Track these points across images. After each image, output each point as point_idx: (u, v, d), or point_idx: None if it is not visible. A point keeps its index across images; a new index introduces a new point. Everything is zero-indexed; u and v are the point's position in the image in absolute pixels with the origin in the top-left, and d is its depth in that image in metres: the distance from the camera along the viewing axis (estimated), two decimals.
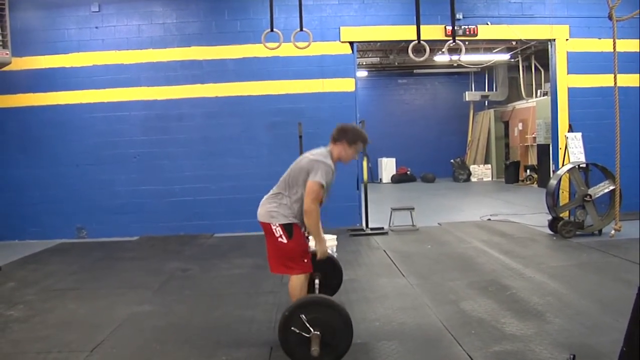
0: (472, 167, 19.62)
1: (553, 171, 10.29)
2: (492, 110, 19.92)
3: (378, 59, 18.34)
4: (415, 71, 20.51)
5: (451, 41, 7.43)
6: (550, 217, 8.96)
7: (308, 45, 8.06)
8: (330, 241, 6.95)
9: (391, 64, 18.82)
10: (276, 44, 7.97)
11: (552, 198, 8.76)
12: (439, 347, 4.28)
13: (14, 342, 4.79)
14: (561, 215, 8.85)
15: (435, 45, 11.86)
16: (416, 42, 7.38)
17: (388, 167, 19.65)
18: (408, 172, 20.06)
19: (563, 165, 9.26)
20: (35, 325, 5.26)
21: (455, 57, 10.56)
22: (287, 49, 8.83)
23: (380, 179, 19.96)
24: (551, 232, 8.74)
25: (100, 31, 10.05)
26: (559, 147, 10.31)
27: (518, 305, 5.25)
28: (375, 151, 17.46)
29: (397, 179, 19.71)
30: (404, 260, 7.28)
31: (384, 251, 7.96)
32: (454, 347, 4.27)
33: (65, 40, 10.05)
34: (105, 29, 10.07)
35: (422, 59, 7.68)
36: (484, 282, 6.09)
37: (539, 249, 7.89)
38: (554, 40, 10.38)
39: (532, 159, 17.53)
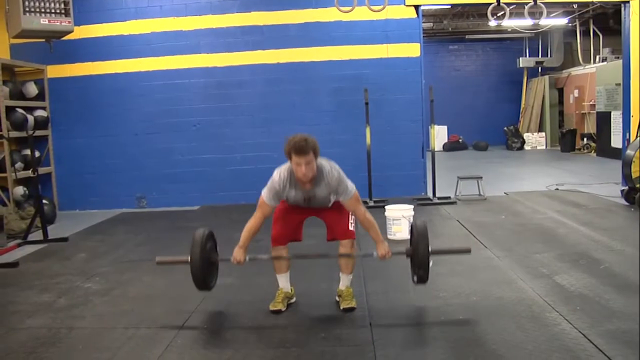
0: (526, 135, 19.20)
1: (627, 140, 9.89)
2: (546, 77, 19.40)
3: (431, 24, 17.94)
4: (467, 37, 20.07)
5: (532, 3, 7.11)
6: (624, 188, 8.64)
7: (383, 8, 7.80)
8: (407, 211, 6.78)
9: (444, 29, 18.41)
10: (349, 8, 7.72)
11: (630, 168, 8.40)
12: (548, 324, 4.04)
13: (98, 317, 4.67)
14: (638, 186, 8.49)
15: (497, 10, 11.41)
16: (495, 4, 7.07)
17: (439, 134, 19.25)
18: (460, 140, 19.74)
19: (637, 134, 8.89)
20: (117, 299, 5.15)
21: (527, 22, 10.10)
22: (350, 14, 8.57)
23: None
24: (627, 203, 8.41)
25: None
26: (631, 114, 9.92)
27: (617, 280, 4.97)
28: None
29: (449, 147, 19.39)
30: (481, 231, 7.05)
31: (458, 221, 7.72)
32: (563, 324, 4.03)
33: (123, 8, 9.88)
34: None
35: (500, 22, 7.35)
36: (573, 255, 5.82)
37: (620, 220, 7.58)
38: (628, 2, 9.89)
39: (589, 127, 17.03)
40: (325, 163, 4.31)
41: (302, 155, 4.09)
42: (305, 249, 5.03)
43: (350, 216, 4.50)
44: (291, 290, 4.73)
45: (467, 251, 4.64)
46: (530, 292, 4.76)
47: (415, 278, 4.45)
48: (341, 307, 4.49)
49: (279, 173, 4.32)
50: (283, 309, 4.56)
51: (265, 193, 4.37)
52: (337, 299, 4.63)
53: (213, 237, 4.69)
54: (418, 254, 4.31)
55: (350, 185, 4.35)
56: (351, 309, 4.46)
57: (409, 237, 6.57)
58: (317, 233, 5.11)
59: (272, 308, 4.54)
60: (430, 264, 4.33)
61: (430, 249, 4.28)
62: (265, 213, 4.43)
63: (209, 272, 4.56)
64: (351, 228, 4.51)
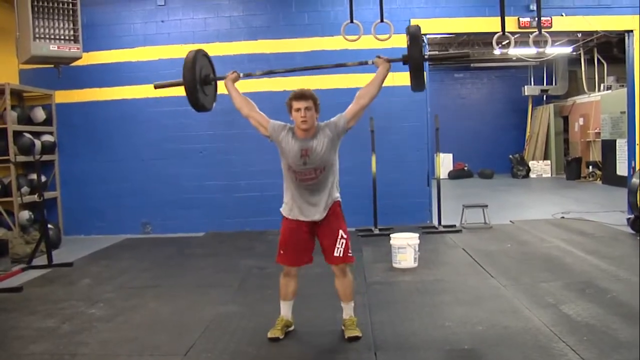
0: (531, 163, 19.21)
1: (632, 168, 9.89)
2: (551, 105, 19.48)
3: (437, 52, 18.02)
4: (472, 65, 20.18)
5: (537, 32, 7.17)
6: (630, 216, 8.61)
7: (389, 37, 7.86)
8: (413, 240, 6.76)
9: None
10: (356, 36, 7.79)
11: (636, 196, 8.39)
12: (555, 355, 4.01)
13: (102, 343, 4.66)
14: None
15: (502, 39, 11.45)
16: (500, 33, 7.13)
17: (445, 162, 19.27)
18: (465, 168, 19.75)
19: None
20: (121, 325, 5.13)
21: (531, 51, 10.15)
22: (356, 42, 8.64)
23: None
24: (633, 232, 8.37)
25: (166, 25, 10.00)
26: (637, 142, 9.93)
27: (624, 310, 4.94)
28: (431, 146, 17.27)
29: (455, 174, 19.40)
30: (487, 260, 7.01)
31: (463, 249, 7.69)
32: (570, 354, 4.00)
33: (131, 35, 10.02)
34: (171, 22, 10.01)
35: (505, 51, 7.41)
36: (579, 284, 5.78)
37: (626, 249, 7.53)
38: (632, 31, 9.96)
39: (595, 155, 17.03)
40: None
41: (302, 99, 4.26)
42: (312, 275, 5.02)
43: (338, 239, 4.48)
44: (291, 319, 4.71)
45: (466, 55, 4.56)
46: (537, 321, 4.72)
47: (412, 86, 4.46)
48: (346, 337, 4.47)
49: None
50: (281, 336, 4.54)
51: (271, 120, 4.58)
52: (342, 328, 4.61)
53: (208, 58, 4.67)
54: (413, 58, 4.28)
55: None
56: (356, 338, 4.44)
57: (414, 265, 6.63)
58: (322, 272, 5.12)
59: (270, 336, 4.53)
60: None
61: (426, 55, 4.25)
62: (259, 115, 4.67)
63: (204, 93, 4.60)
64: (338, 254, 4.47)
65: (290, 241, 4.55)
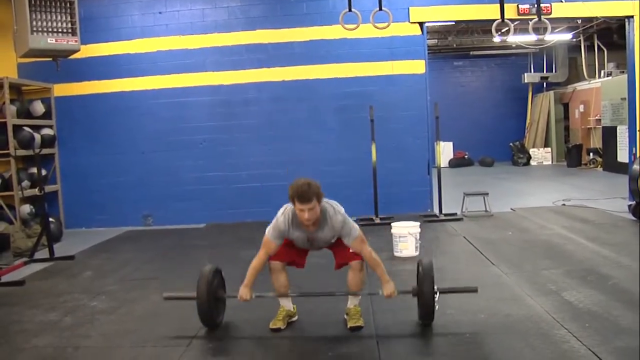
0: (532, 151, 19.19)
1: (633, 155, 9.88)
2: (551, 92, 19.42)
3: (435, 40, 18.00)
4: (471, 53, 20.13)
5: (536, 19, 7.14)
6: (631, 203, 8.60)
7: (388, 26, 7.84)
8: (414, 228, 6.76)
9: (449, 45, 18.46)
10: (354, 25, 7.76)
11: (637, 183, 8.38)
12: (557, 342, 4.01)
13: (104, 335, 4.66)
14: None
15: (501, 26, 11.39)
16: (500, 20, 7.10)
17: (445, 151, 19.23)
18: (466, 156, 19.74)
19: None
20: (123, 317, 5.13)
21: (531, 38, 10.13)
22: (355, 31, 8.61)
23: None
24: (634, 218, 8.36)
25: (164, 16, 9.95)
26: (637, 129, 9.91)
27: (626, 296, 4.94)
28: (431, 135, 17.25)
29: (455, 163, 19.39)
30: (488, 248, 7.02)
31: (464, 238, 7.69)
32: (572, 341, 4.00)
33: (129, 27, 9.98)
34: (169, 14, 9.96)
35: (504, 38, 7.38)
36: (581, 271, 5.78)
37: (627, 235, 7.52)
38: (632, 17, 9.91)
39: (595, 142, 16.99)
40: (328, 207, 4.33)
41: (305, 202, 4.11)
42: (310, 278, 5.03)
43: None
44: (293, 309, 4.72)
45: (474, 290, 4.61)
46: (539, 308, 4.73)
47: (420, 317, 4.44)
48: (348, 326, 4.47)
49: (284, 213, 4.35)
50: (283, 327, 4.55)
51: (269, 231, 4.38)
52: (345, 317, 4.62)
53: (220, 273, 4.70)
54: (423, 293, 4.29)
55: (355, 227, 4.38)
56: (358, 328, 4.44)
57: (415, 253, 6.62)
58: (321, 262, 5.20)
59: (271, 326, 4.53)
60: (436, 307, 4.29)
61: (436, 289, 4.27)
62: (269, 251, 4.44)
63: (216, 309, 4.56)
64: (353, 250, 4.48)
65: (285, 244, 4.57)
